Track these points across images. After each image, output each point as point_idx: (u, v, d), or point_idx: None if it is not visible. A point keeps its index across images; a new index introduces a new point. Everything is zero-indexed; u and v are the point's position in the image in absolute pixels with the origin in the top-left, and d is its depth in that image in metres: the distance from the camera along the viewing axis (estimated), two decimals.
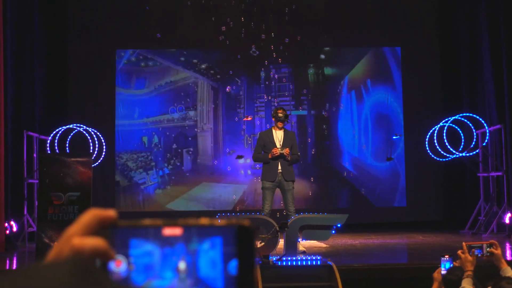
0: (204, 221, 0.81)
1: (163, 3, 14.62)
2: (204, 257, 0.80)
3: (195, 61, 14.93)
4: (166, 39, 14.67)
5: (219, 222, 0.81)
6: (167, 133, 14.77)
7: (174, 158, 14.78)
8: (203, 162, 14.86)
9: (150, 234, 0.80)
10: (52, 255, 0.75)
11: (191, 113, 14.89)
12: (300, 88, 15.11)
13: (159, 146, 14.76)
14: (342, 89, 15.04)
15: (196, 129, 14.86)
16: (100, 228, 0.77)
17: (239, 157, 13.84)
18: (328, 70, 15.15)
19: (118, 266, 0.78)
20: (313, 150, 14.77)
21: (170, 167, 14.75)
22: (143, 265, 0.80)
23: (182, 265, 0.79)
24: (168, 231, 0.80)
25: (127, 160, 14.62)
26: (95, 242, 0.75)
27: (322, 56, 15.16)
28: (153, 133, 14.72)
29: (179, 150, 14.80)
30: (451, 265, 4.83)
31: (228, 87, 14.86)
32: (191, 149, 14.83)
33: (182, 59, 14.90)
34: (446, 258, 4.86)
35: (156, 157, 14.74)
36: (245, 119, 14.75)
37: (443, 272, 4.82)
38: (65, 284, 0.64)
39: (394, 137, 14.52)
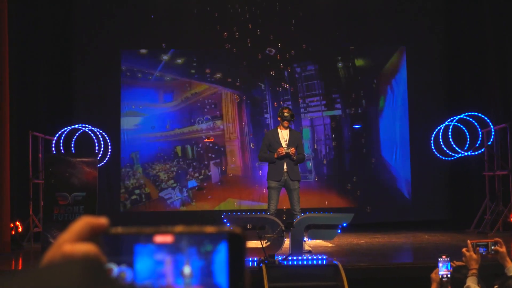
0: (195, 228, 0.81)
1: (169, 8, 14.59)
2: (207, 263, 0.80)
3: (207, 70, 14.80)
4: (171, 41, 14.66)
5: (210, 229, 0.81)
6: (197, 145, 14.69)
7: (204, 169, 14.63)
8: (232, 173, 14.70)
9: (151, 239, 0.80)
10: (44, 261, 0.75)
11: (218, 123, 14.73)
12: (330, 86, 14.94)
13: (188, 157, 14.65)
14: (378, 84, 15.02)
15: (223, 140, 14.72)
16: (91, 235, 0.78)
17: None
18: (359, 62, 15.00)
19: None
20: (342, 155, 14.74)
21: (200, 177, 14.60)
22: (145, 271, 0.80)
23: (187, 269, 0.80)
24: (160, 239, 0.80)
25: (159, 171, 14.58)
26: (86, 248, 0.75)
27: (352, 47, 15.01)
28: (183, 145, 14.65)
29: (206, 162, 14.66)
30: (449, 265, 4.81)
31: (237, 95, 14.70)
32: (218, 161, 14.67)
33: (193, 71, 14.77)
34: (444, 258, 4.85)
35: (184, 169, 14.62)
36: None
37: (441, 272, 4.81)
38: (76, 283, 0.65)
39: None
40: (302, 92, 14.89)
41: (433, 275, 4.86)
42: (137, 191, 14.52)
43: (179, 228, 0.81)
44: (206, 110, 14.74)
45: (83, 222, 0.78)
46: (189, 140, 14.68)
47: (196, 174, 14.59)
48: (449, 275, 4.76)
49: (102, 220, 0.79)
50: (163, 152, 14.62)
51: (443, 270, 4.81)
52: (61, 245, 0.76)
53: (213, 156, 14.64)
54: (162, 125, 14.66)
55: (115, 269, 0.79)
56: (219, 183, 14.65)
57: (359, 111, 14.87)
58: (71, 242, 0.76)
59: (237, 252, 0.80)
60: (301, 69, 14.96)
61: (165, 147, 14.64)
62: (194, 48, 14.75)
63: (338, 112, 14.90)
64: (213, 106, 14.76)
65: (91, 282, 0.65)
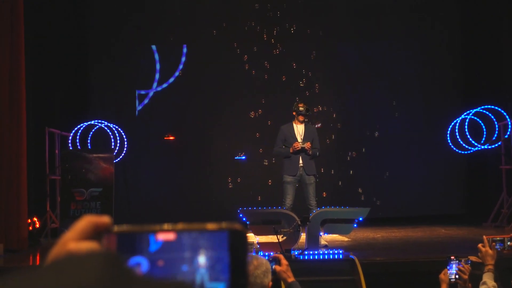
0: (196, 226, 0.82)
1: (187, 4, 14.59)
2: (209, 259, 0.81)
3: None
4: (191, 36, 14.63)
5: (212, 226, 0.82)
6: None
7: None
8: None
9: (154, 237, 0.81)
10: (49, 259, 0.76)
11: None
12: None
13: None
14: None
15: None
16: (95, 234, 0.79)
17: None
18: None
19: None
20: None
21: None
22: (161, 261, 0.81)
23: (202, 259, 0.80)
24: (162, 236, 0.81)
25: None
26: (90, 246, 0.76)
27: None
28: None
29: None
30: (458, 266, 4.79)
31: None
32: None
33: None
34: (453, 259, 4.83)
35: None
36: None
37: (451, 271, 4.78)
38: (97, 275, 0.65)
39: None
40: None
41: (442, 276, 4.84)
42: None
43: (180, 226, 0.82)
44: None
45: (86, 221, 0.79)
46: None
47: None
48: (457, 276, 4.74)
49: (105, 219, 0.80)
50: None
51: (452, 271, 4.79)
52: (66, 243, 0.77)
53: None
54: None
55: (130, 260, 0.80)
56: None
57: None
58: (75, 241, 0.77)
59: (238, 249, 0.81)
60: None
61: None
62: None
63: None
64: None
65: (112, 274, 0.66)
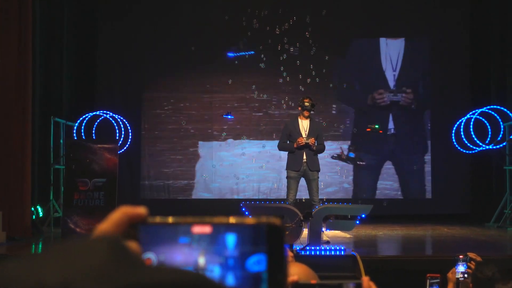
0: (233, 219, 0.81)
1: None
2: (246, 254, 0.80)
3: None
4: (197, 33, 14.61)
5: (249, 220, 0.81)
6: None
7: None
8: None
9: (190, 230, 0.81)
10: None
11: None
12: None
13: None
14: None
15: None
16: (130, 225, 0.79)
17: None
18: None
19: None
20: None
21: None
22: (189, 253, 0.80)
23: (201, 260, 0.80)
24: (197, 229, 0.80)
25: None
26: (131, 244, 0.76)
27: None
28: None
29: None
30: (466, 265, 4.76)
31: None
32: None
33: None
34: (461, 258, 4.82)
35: None
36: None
37: (458, 271, 4.76)
38: (101, 260, 0.66)
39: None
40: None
41: (449, 274, 4.82)
42: None
43: (217, 219, 0.81)
44: None
45: (121, 212, 0.79)
46: None
47: None
48: (466, 276, 4.72)
49: (141, 210, 0.80)
50: None
51: (460, 270, 4.78)
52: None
53: None
54: None
55: (143, 255, 0.80)
56: None
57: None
58: (109, 232, 0.77)
59: (276, 244, 0.80)
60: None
61: None
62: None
63: None
64: None
65: (116, 260, 0.66)
